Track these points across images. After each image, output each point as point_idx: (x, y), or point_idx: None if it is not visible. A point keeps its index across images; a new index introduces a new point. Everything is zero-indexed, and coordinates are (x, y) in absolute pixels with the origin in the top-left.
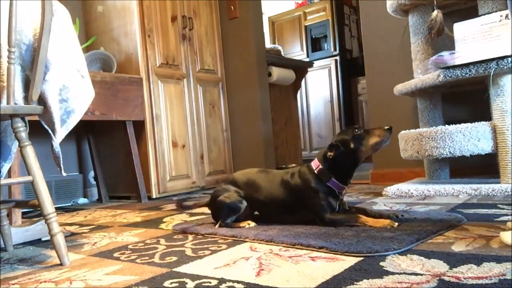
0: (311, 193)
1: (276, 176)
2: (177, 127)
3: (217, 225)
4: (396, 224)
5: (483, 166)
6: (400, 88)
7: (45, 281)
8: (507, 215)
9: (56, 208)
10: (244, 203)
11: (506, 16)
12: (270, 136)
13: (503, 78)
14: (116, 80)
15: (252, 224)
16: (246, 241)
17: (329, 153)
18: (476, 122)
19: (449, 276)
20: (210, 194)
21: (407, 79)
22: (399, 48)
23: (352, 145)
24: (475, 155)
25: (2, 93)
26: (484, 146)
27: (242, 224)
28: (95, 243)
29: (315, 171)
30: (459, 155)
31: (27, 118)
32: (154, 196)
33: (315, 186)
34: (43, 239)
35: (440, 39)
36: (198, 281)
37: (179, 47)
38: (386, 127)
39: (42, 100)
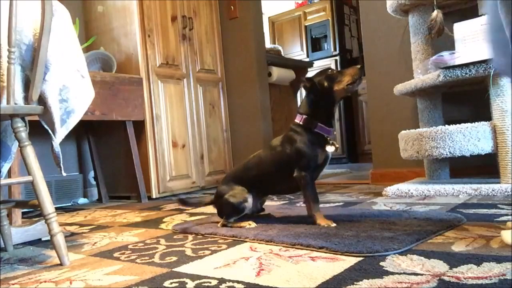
0: (299, 146)
1: (267, 147)
2: (177, 127)
3: (220, 224)
4: (334, 224)
5: (483, 166)
6: (400, 88)
7: (45, 281)
8: (507, 215)
9: (56, 208)
10: (250, 201)
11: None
12: (270, 136)
13: (503, 78)
14: (116, 80)
15: (253, 224)
16: (246, 241)
17: (304, 84)
18: (476, 122)
19: (449, 276)
20: (210, 194)
21: (407, 79)
22: (399, 48)
23: (326, 84)
24: (475, 155)
25: (2, 93)
26: (484, 146)
27: (243, 224)
28: (95, 243)
29: (301, 123)
30: (459, 155)
31: (27, 118)
32: (154, 196)
33: (304, 138)
34: (43, 239)
35: (440, 39)
36: (198, 281)
37: (179, 47)
38: (358, 66)
39: (42, 100)
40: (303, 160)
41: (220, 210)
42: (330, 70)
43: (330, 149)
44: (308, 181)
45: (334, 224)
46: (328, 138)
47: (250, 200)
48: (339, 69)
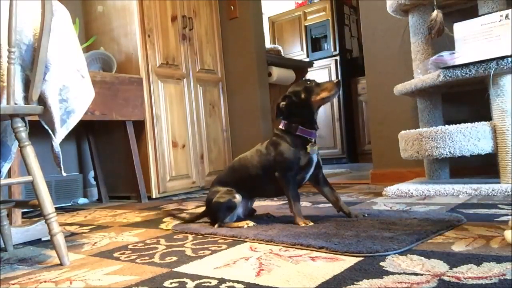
0: (281, 149)
1: (253, 150)
2: (177, 127)
3: (216, 226)
4: (311, 223)
5: (483, 166)
6: (400, 88)
7: (45, 281)
8: (507, 215)
9: (56, 208)
10: (238, 197)
11: (506, 16)
12: (270, 136)
13: (503, 78)
14: (116, 80)
15: (251, 223)
16: (246, 241)
17: (282, 103)
18: (476, 122)
19: (449, 276)
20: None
21: (407, 79)
22: (399, 48)
23: (303, 95)
24: (475, 155)
25: (2, 93)
26: (484, 146)
27: (241, 224)
28: (95, 243)
29: (282, 128)
30: (459, 155)
31: (27, 118)
32: (154, 196)
33: (285, 141)
34: (43, 239)
35: (440, 39)
36: (198, 281)
37: (179, 47)
38: (335, 81)
39: (42, 100)
40: (284, 162)
41: (213, 215)
42: (308, 82)
43: (312, 149)
44: (289, 181)
45: (311, 223)
46: (310, 139)
47: (238, 196)
48: (317, 82)
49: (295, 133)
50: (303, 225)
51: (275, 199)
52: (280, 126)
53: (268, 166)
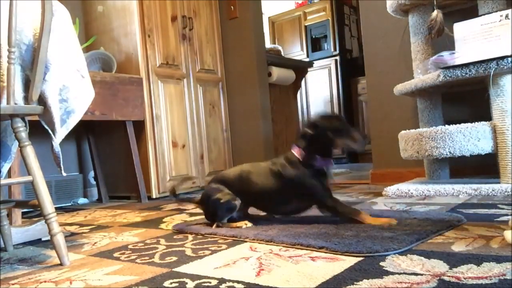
0: (303, 180)
1: (264, 167)
2: (177, 127)
3: (214, 226)
4: (395, 221)
5: (483, 166)
6: (400, 88)
7: (45, 281)
8: (507, 215)
9: (56, 208)
10: (238, 200)
11: (506, 16)
12: (270, 136)
13: (503, 78)
14: (116, 80)
15: (249, 224)
16: (246, 241)
17: (309, 131)
18: (476, 122)
19: (449, 276)
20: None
21: (407, 79)
22: (399, 48)
23: (330, 135)
24: (475, 155)
25: (2, 93)
26: (484, 146)
27: (239, 224)
28: (95, 243)
29: (300, 158)
30: (459, 155)
31: (27, 118)
32: (154, 196)
33: (306, 173)
34: (43, 239)
35: (440, 39)
36: (198, 281)
37: (179, 47)
38: (364, 134)
39: (42, 100)
40: (316, 193)
41: (209, 212)
42: (339, 122)
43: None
44: (333, 206)
45: (394, 221)
46: (330, 170)
47: (238, 199)
48: (347, 125)
49: (315, 165)
50: (387, 224)
51: None
52: (296, 153)
53: (284, 187)
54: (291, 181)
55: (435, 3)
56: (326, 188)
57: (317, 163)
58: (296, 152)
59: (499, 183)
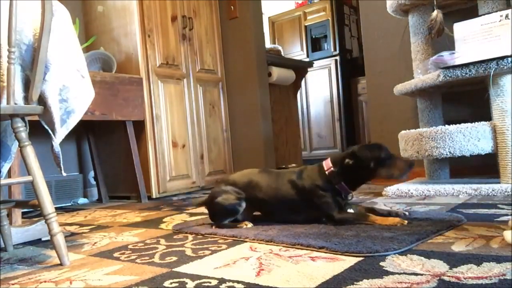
0: (319, 192)
1: (281, 175)
2: (177, 127)
3: (215, 226)
4: (406, 221)
5: (483, 166)
6: (400, 88)
7: (45, 281)
8: (507, 215)
9: (56, 208)
10: (243, 205)
11: (506, 16)
12: (270, 136)
13: (503, 78)
14: (116, 80)
15: (250, 225)
16: (246, 241)
17: (347, 160)
18: (476, 122)
19: (449, 276)
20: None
21: (407, 79)
22: (399, 48)
23: (372, 165)
24: (475, 155)
25: (2, 93)
26: (484, 146)
27: (240, 225)
28: (95, 243)
29: (326, 172)
30: (459, 155)
31: (27, 118)
32: (154, 196)
33: (323, 186)
34: (43, 239)
35: (440, 39)
36: (198, 281)
37: (179, 47)
38: (410, 161)
39: (42, 100)
40: (328, 206)
41: (212, 214)
42: (382, 151)
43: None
44: (340, 219)
45: (405, 222)
46: (345, 196)
47: (243, 204)
48: (390, 154)
49: (334, 185)
50: (399, 224)
51: None
52: (325, 168)
53: (299, 197)
54: (306, 190)
55: (435, 3)
56: (340, 205)
57: (338, 185)
58: (326, 166)
59: (499, 183)
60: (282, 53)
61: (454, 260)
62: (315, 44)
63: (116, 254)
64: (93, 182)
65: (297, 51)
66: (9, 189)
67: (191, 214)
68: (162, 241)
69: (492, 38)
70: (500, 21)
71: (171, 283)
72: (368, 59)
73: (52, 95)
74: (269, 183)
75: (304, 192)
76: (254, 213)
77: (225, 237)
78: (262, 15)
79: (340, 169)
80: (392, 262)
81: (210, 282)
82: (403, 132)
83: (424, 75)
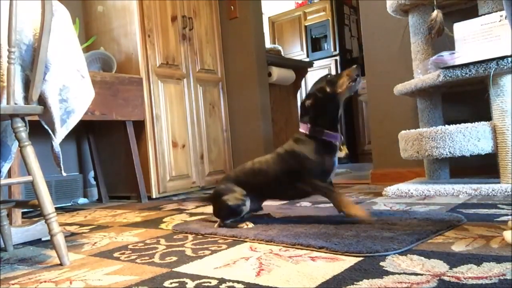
0: (306, 157)
1: (272, 154)
2: (177, 127)
3: (216, 225)
4: (374, 219)
5: (483, 166)
6: (400, 88)
7: (45, 281)
8: (507, 215)
9: (56, 208)
10: (247, 205)
11: (506, 16)
12: (270, 136)
13: (503, 78)
14: (116, 80)
15: (251, 225)
16: (246, 241)
17: (307, 102)
18: (476, 122)
19: (449, 276)
20: (210, 194)
21: (407, 79)
22: (399, 48)
23: (328, 89)
24: (475, 155)
25: (2, 93)
26: (484, 146)
27: (240, 225)
28: (95, 243)
29: (307, 133)
30: (459, 155)
31: (27, 118)
32: (154, 196)
33: (313, 147)
34: (43, 239)
35: (440, 39)
36: (198, 281)
37: (179, 47)
38: (354, 66)
39: (42, 100)
40: (314, 169)
41: (217, 211)
42: (329, 76)
43: (340, 155)
44: (317, 185)
45: (373, 220)
46: (337, 144)
47: (248, 203)
48: (335, 74)
49: (321, 138)
50: (365, 219)
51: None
52: (303, 130)
53: (292, 173)
54: (294, 157)
55: (435, 3)
56: (327, 170)
57: (325, 136)
58: (303, 128)
59: (499, 183)
60: (282, 53)
61: (454, 260)
62: (315, 44)
63: (116, 254)
64: (93, 182)
65: (297, 51)
66: (9, 189)
67: (191, 214)
68: (162, 241)
69: (492, 38)
70: (500, 21)
71: (171, 283)
72: (368, 59)
73: (52, 95)
74: (264, 165)
75: (294, 160)
76: (254, 213)
77: (225, 237)
78: (262, 15)
79: (312, 118)
80: (392, 262)
81: (210, 282)
82: (403, 132)
83: (424, 75)
